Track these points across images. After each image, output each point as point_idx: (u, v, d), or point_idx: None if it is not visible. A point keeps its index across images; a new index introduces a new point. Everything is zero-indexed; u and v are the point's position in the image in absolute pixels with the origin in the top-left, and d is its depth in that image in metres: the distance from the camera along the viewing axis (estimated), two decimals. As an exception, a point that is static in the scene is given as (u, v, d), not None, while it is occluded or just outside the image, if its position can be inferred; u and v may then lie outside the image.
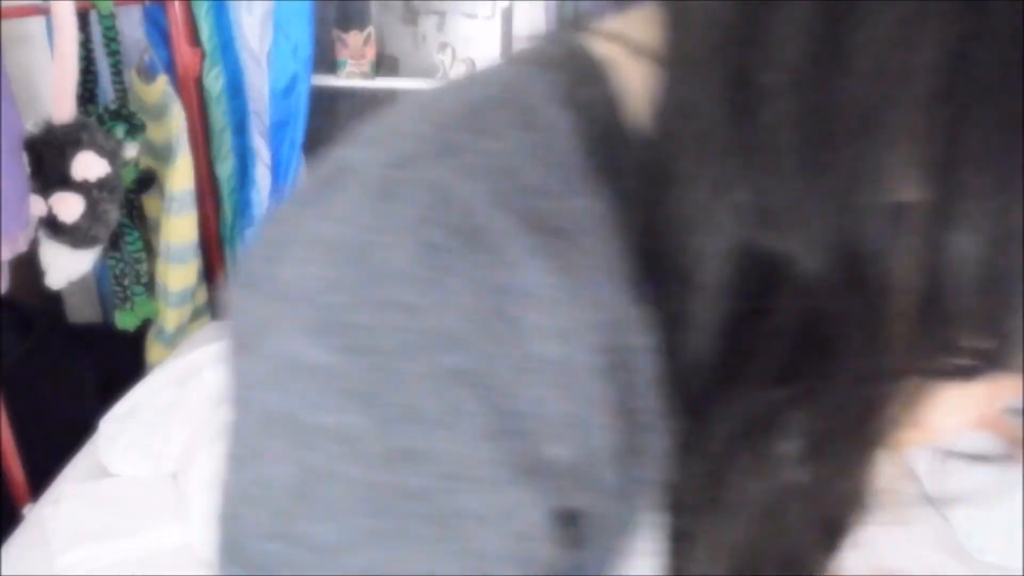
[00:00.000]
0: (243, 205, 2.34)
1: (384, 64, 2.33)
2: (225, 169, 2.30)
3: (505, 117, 0.27)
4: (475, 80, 0.31)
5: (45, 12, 1.69)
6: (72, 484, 1.57)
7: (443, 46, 2.26)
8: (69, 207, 1.67)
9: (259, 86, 2.21)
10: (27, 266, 1.76)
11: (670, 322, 0.28)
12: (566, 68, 0.30)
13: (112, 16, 1.87)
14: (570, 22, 0.33)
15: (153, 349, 2.20)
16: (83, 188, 1.68)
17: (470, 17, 2.32)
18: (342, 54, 2.25)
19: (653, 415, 0.28)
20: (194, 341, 2.06)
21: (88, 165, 1.67)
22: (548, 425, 0.25)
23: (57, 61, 1.64)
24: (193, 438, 1.59)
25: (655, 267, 0.28)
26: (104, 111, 1.87)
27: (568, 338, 0.25)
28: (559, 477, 0.25)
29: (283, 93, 2.16)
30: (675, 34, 0.28)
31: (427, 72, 2.33)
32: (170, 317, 2.15)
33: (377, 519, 0.24)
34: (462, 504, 0.24)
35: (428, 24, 2.36)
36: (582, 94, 0.29)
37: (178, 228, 2.08)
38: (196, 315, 2.27)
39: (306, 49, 2.12)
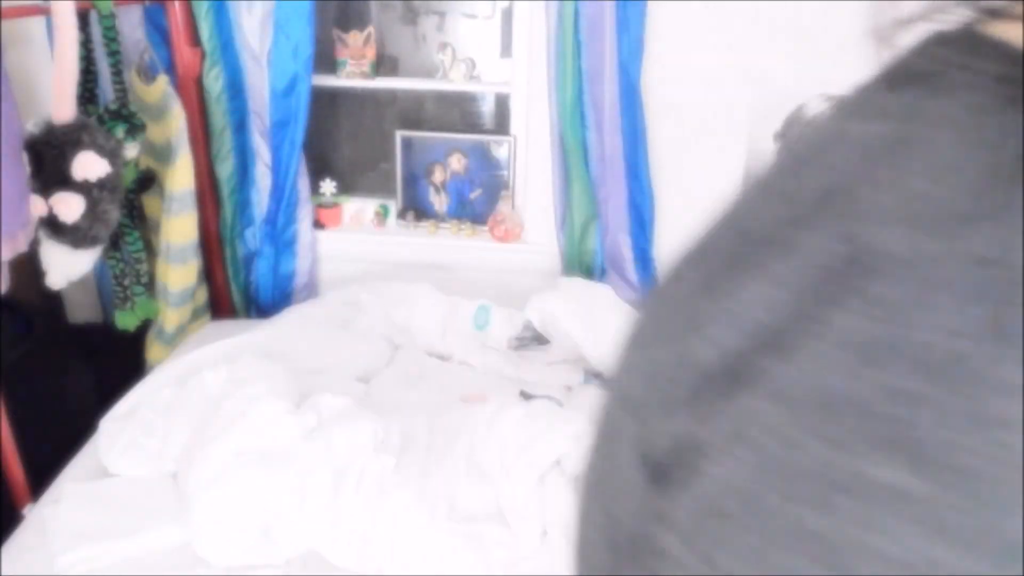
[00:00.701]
0: (243, 205, 2.35)
1: (384, 64, 2.33)
2: (225, 169, 2.30)
3: None
4: (925, 119, 0.26)
5: (45, 12, 1.69)
6: (72, 484, 1.57)
7: (443, 46, 2.26)
8: (69, 207, 1.67)
9: (259, 86, 2.21)
10: (27, 266, 1.76)
11: None
12: None
13: (112, 16, 1.87)
14: (979, 16, 0.27)
15: (153, 349, 2.20)
16: (83, 188, 1.68)
17: (470, 17, 2.32)
18: (342, 54, 2.25)
19: None
20: (194, 341, 2.06)
21: (88, 165, 1.67)
22: None
23: (57, 61, 1.64)
24: (193, 438, 1.59)
25: None
26: (104, 111, 1.87)
27: None
28: None
29: (283, 93, 2.16)
30: None
31: (427, 72, 2.33)
32: (170, 317, 2.15)
33: None
34: None
35: (428, 24, 2.36)
36: None
37: (178, 228, 2.08)
38: (196, 315, 2.27)
39: (306, 49, 2.12)
